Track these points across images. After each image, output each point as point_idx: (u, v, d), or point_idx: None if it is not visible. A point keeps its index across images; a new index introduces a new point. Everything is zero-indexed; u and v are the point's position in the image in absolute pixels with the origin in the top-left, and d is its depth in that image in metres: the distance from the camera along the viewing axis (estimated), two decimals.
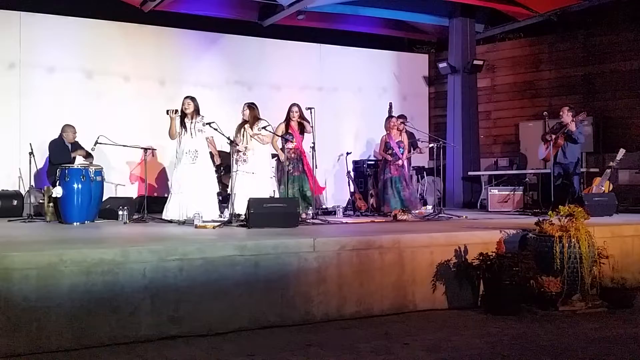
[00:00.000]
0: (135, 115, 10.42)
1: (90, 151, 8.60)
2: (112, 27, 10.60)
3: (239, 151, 8.00)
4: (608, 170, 9.37)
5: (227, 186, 8.70)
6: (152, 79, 10.81)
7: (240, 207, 7.55)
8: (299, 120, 8.52)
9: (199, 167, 7.91)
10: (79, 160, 8.21)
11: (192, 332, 4.60)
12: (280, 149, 8.58)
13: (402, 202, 8.94)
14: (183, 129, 7.91)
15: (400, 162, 9.10)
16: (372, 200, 10.09)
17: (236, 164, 8.01)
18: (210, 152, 8.28)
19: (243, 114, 8.27)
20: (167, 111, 7.90)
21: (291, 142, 8.46)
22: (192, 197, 7.70)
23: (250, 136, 8.12)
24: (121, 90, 10.55)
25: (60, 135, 8.95)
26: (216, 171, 9.07)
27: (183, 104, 7.99)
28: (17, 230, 6.80)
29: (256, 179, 7.99)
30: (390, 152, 9.16)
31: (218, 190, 8.40)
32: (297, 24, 11.70)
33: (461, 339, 4.62)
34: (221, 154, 9.24)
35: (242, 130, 8.19)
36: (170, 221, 7.65)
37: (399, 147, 9.16)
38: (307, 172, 8.54)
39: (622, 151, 9.23)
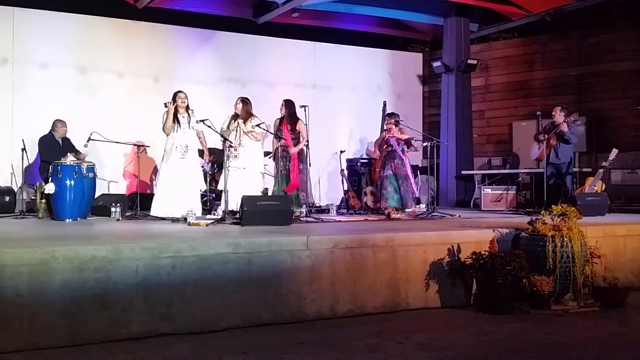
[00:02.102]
0: (128, 111, 10.39)
1: (82, 149, 8.58)
2: (106, 23, 10.56)
3: (231, 146, 7.97)
4: (601, 170, 9.39)
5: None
6: (146, 75, 10.78)
7: (232, 203, 7.55)
8: (289, 116, 8.52)
9: (188, 163, 7.88)
10: (71, 157, 8.18)
11: (185, 329, 4.59)
12: (276, 148, 8.58)
13: (400, 199, 8.98)
14: (176, 124, 7.84)
15: (397, 160, 9.12)
16: (365, 199, 10.10)
17: (227, 159, 7.98)
18: (200, 150, 8.27)
19: (236, 108, 8.24)
20: (166, 104, 7.82)
21: (283, 139, 8.45)
22: (180, 192, 7.67)
23: (244, 132, 8.10)
24: (114, 86, 10.52)
25: (50, 131, 8.90)
26: (210, 168, 9.08)
27: (180, 98, 7.87)
28: (9, 227, 6.77)
29: (246, 175, 7.98)
30: (390, 149, 9.18)
31: (205, 187, 8.38)
32: (292, 22, 11.68)
33: (454, 338, 4.63)
34: (214, 150, 9.24)
35: (235, 124, 8.16)
36: (164, 218, 7.60)
37: (399, 145, 9.19)
38: (289, 171, 8.52)
39: (614, 151, 9.25)
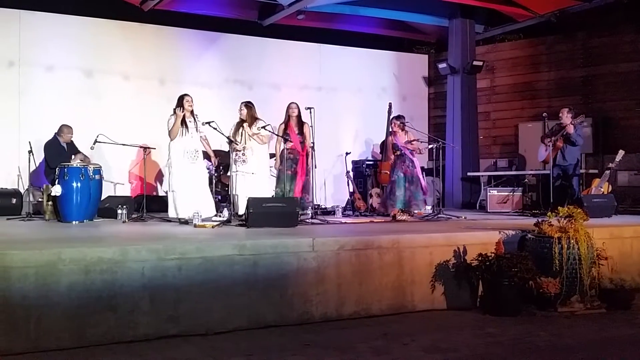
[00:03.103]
0: (134, 114, 10.40)
1: (88, 152, 8.60)
2: (112, 25, 10.59)
3: (237, 151, 7.99)
4: (607, 172, 9.36)
5: (227, 186, 8.69)
6: (152, 78, 10.80)
7: (240, 207, 7.56)
8: (297, 119, 8.56)
9: (199, 166, 7.92)
10: (77, 160, 8.20)
11: (191, 331, 4.60)
12: (280, 153, 8.57)
13: (405, 202, 8.99)
14: (185, 128, 7.82)
15: (407, 162, 9.14)
16: (371, 200, 10.09)
17: (235, 164, 8.01)
18: (205, 152, 8.28)
19: (240, 113, 8.24)
20: (175, 110, 7.81)
21: (289, 141, 8.47)
22: (194, 195, 7.67)
23: (250, 136, 8.11)
24: (121, 89, 10.54)
25: (55, 136, 8.88)
26: (215, 170, 9.09)
27: (187, 101, 7.86)
28: (16, 229, 6.80)
29: (256, 179, 7.98)
30: (398, 152, 9.19)
31: (214, 189, 8.39)
32: (297, 24, 11.69)
33: (460, 340, 4.62)
34: (220, 153, 9.26)
35: (241, 129, 8.17)
36: (180, 221, 7.56)
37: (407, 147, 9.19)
38: (297, 174, 8.54)
39: (621, 152, 9.22)
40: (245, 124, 8.15)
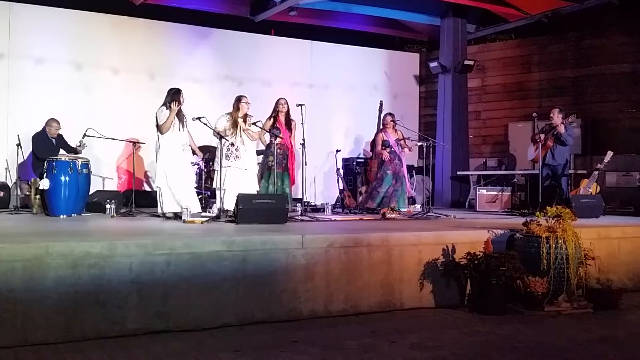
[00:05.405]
0: (124, 108, 10.36)
1: (77, 146, 8.54)
2: (103, 19, 10.54)
3: (232, 144, 7.91)
4: (596, 172, 9.40)
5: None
6: (142, 72, 10.75)
7: (231, 203, 7.51)
8: (286, 115, 8.58)
9: (187, 160, 7.87)
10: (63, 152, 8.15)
11: (179, 327, 4.59)
12: (267, 144, 8.57)
13: (382, 199, 9.06)
14: (178, 122, 7.74)
15: (396, 160, 9.17)
16: (360, 198, 10.10)
17: (227, 159, 7.89)
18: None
19: (247, 106, 8.10)
20: (171, 105, 7.72)
21: (279, 137, 8.41)
22: (181, 188, 7.64)
23: (243, 130, 8.05)
24: (110, 83, 10.50)
25: (44, 129, 8.83)
26: (205, 166, 9.07)
27: (182, 96, 7.75)
28: (3, 222, 6.76)
29: (247, 175, 7.96)
30: (389, 150, 9.20)
31: (195, 184, 8.34)
32: (289, 20, 11.69)
33: (447, 338, 4.64)
34: (209, 148, 9.22)
35: (236, 124, 8.09)
36: (165, 215, 7.54)
37: (397, 145, 9.22)
38: (289, 169, 8.56)
39: (609, 153, 9.27)
40: (239, 119, 8.08)
